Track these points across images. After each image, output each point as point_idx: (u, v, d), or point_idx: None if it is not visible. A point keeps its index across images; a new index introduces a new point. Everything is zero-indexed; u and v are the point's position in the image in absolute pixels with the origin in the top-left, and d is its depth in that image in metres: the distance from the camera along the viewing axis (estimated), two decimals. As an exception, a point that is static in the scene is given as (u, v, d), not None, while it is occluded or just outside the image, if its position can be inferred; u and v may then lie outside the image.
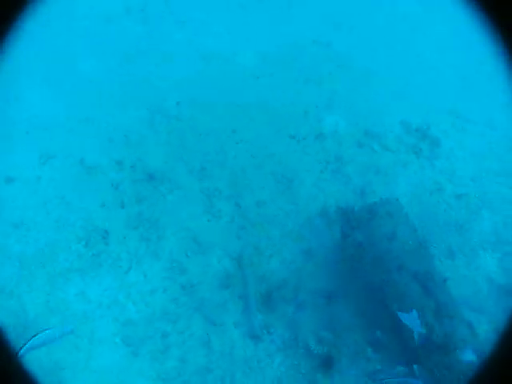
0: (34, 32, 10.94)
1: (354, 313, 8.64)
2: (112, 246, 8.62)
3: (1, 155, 9.74)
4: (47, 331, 6.17)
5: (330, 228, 9.46)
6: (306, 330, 8.61)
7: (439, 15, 13.47)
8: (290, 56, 11.93)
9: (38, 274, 8.26)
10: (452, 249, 9.59)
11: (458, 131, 11.66)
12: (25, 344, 5.87)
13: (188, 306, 8.33)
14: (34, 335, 6.02)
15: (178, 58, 11.55)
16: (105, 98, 10.62)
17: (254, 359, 8.27)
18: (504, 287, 9.78)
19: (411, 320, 7.65)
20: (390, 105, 11.44)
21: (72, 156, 9.66)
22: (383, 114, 11.29)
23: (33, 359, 6.69)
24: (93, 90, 10.68)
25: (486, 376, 3.41)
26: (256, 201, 9.58)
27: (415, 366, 7.67)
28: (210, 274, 8.73)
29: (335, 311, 8.73)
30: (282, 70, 11.72)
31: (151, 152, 9.89)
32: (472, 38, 13.10)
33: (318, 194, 9.94)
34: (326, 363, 8.38)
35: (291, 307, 8.78)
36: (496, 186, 11.08)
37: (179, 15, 12.26)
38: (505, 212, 10.64)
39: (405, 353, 8.16)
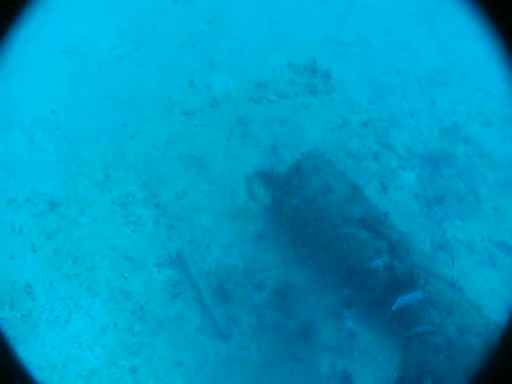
0: None
1: (315, 277, 8.44)
2: (41, 298, 7.47)
3: None
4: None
5: (259, 198, 9.04)
6: (271, 308, 8.32)
7: None
8: (153, 24, 10.82)
9: (-31, 360, 7.05)
10: (381, 181, 9.59)
11: (341, 57, 11.46)
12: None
13: (144, 330, 7.61)
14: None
15: (38, 60, 10.03)
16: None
17: (231, 357, 7.84)
18: (430, 199, 10.03)
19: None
20: (270, 50, 10.88)
21: (-48, 209, 8.17)
22: (267, 61, 10.73)
23: None
24: None
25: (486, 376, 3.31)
26: (174, 193, 8.79)
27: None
28: (154, 288, 7.96)
29: (295, 281, 8.47)
30: (150, 41, 10.62)
31: (44, 176, 8.57)
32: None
33: (233, 164, 9.35)
34: (303, 333, 8.18)
35: (249, 291, 8.41)
36: (390, 100, 11.14)
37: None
38: (408, 125, 10.78)
39: (376, 298, 8.16)
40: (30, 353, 7.13)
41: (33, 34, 10.11)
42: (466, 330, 7.84)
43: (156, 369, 7.45)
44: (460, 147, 10.79)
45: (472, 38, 11.47)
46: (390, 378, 8.07)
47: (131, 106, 9.62)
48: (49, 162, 8.76)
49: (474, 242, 9.69)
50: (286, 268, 8.57)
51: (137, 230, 8.38)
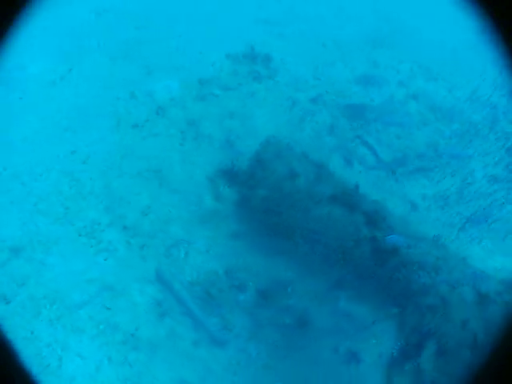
0: None
1: (298, 265, 8.31)
2: (25, 350, 6.99)
3: None
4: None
5: (226, 197, 8.82)
6: (261, 305, 8.17)
7: None
8: (80, 41, 10.34)
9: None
10: (342, 154, 9.49)
11: (278, 38, 11.26)
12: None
13: (140, 358, 7.34)
14: None
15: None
16: None
17: (232, 364, 7.66)
18: (392, 162, 10.02)
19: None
20: (206, 44, 10.59)
21: None
22: (205, 56, 10.43)
23: None
24: None
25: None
26: (140, 211, 8.48)
27: None
28: (140, 312, 7.67)
29: (278, 273, 8.32)
30: (80, 59, 10.13)
31: (0, 222, 8.19)
32: None
33: (193, 168, 9.10)
34: (299, 323, 8.06)
35: (236, 293, 8.23)
36: (334, 72, 11.04)
37: None
38: (357, 93, 10.70)
39: (364, 273, 8.10)
40: (26, 409, 6.83)
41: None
42: (457, 283, 7.89)
43: (160, 395, 7.27)
44: (411, 105, 10.80)
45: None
46: (393, 348, 8.09)
47: (76, 130, 9.16)
48: (2, 205, 8.32)
49: (444, 196, 9.75)
50: (267, 261, 8.43)
51: (110, 257, 8.04)
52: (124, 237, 8.20)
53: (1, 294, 7.49)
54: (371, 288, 8.12)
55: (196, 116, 9.59)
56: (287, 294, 8.42)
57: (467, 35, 10.57)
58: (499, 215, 9.78)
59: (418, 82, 11.13)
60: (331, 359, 8.09)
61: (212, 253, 8.40)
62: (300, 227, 8.12)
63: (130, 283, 7.87)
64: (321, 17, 11.69)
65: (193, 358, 7.61)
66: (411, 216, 9.30)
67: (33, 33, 10.20)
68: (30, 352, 7.09)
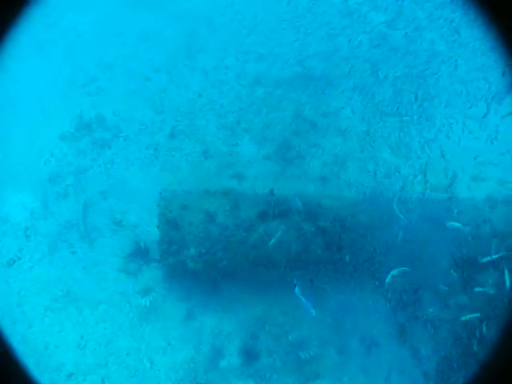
0: None
1: (264, 297, 7.49)
2: None
3: None
4: None
5: (152, 278, 7.67)
6: (254, 359, 7.25)
7: None
8: None
9: None
10: (233, 174, 8.77)
11: (98, 94, 10.06)
12: None
13: None
14: None
15: None
16: None
17: None
18: (280, 159, 9.53)
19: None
20: (33, 138, 8.99)
21: None
22: (39, 150, 8.87)
23: None
24: None
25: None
26: (75, 347, 7.01)
27: None
28: None
29: (248, 319, 7.44)
30: None
31: None
32: None
33: (100, 270, 7.75)
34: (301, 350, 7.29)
35: (222, 365, 7.19)
36: (173, 97, 10.20)
37: None
38: (206, 112, 10.03)
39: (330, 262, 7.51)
40: None
41: None
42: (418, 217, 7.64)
43: None
44: (258, 91, 10.35)
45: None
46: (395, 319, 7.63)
47: None
48: None
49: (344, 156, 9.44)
50: (232, 315, 7.51)
51: None
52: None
53: None
54: (342, 273, 7.57)
55: (68, 216, 8.25)
56: (268, 332, 7.60)
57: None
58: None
59: (251, 67, 10.69)
60: (351, 358, 7.44)
61: (174, 343, 7.30)
62: (246, 263, 7.31)
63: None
64: (133, 56, 10.68)
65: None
66: (329, 187, 8.88)
67: None
68: None
